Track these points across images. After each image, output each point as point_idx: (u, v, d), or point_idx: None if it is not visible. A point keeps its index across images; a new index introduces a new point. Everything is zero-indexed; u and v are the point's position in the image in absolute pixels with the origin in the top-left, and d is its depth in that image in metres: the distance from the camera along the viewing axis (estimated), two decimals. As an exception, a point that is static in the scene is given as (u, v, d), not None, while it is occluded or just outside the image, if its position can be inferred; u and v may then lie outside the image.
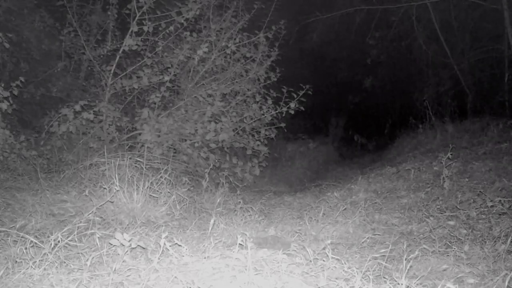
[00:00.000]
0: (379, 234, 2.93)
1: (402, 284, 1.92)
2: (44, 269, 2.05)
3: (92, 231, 2.50)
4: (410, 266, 2.19)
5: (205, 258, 2.23)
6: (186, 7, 4.80)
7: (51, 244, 2.17)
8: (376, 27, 10.82)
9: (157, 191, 3.66)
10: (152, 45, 5.05)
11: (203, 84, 5.32)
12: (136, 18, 4.61)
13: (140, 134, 4.64)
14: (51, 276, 2.00)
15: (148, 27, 4.63)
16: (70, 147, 4.53)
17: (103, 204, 3.17)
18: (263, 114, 5.50)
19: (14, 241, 2.35)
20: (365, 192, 4.18)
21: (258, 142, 5.51)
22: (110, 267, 2.06)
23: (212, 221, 2.67)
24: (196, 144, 4.92)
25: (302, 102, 5.32)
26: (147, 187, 3.57)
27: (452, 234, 2.77)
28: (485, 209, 3.13)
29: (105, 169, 3.78)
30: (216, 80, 5.40)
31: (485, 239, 2.64)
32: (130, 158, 3.76)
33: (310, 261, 2.26)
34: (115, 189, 3.28)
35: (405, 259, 2.09)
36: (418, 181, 4.30)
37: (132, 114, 5.06)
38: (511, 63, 8.85)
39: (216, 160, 5.00)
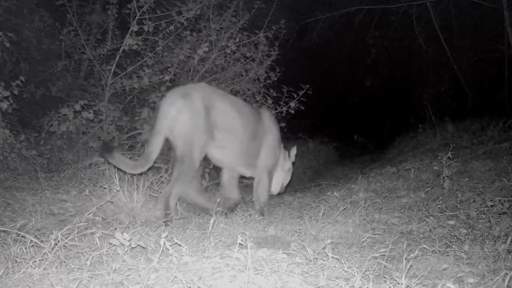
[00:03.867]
0: (379, 234, 2.92)
1: (402, 283, 1.92)
2: (44, 268, 2.05)
3: (92, 230, 2.50)
4: (410, 266, 2.19)
5: (205, 257, 2.23)
6: (186, 6, 4.80)
7: (51, 243, 2.17)
8: (376, 26, 10.83)
9: (157, 190, 3.67)
10: (152, 45, 5.05)
11: (203, 83, 5.32)
12: (136, 17, 4.61)
13: (140, 133, 4.64)
14: (51, 276, 2.00)
15: (148, 27, 4.63)
16: (70, 146, 4.52)
17: (103, 204, 3.17)
18: (263, 114, 5.49)
19: (14, 240, 2.35)
20: (365, 191, 4.18)
21: (258, 142, 5.50)
22: (110, 266, 2.06)
23: (212, 220, 2.66)
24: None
25: (302, 102, 5.32)
26: (147, 187, 3.57)
27: (452, 234, 2.77)
28: (485, 209, 3.12)
29: (105, 169, 3.79)
30: (216, 80, 5.39)
31: (485, 238, 2.64)
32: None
33: (310, 260, 2.26)
34: (115, 188, 3.28)
35: (405, 259, 2.09)
36: (418, 181, 4.30)
37: (132, 113, 5.05)
38: (511, 63, 8.85)
39: (216, 160, 4.99)
